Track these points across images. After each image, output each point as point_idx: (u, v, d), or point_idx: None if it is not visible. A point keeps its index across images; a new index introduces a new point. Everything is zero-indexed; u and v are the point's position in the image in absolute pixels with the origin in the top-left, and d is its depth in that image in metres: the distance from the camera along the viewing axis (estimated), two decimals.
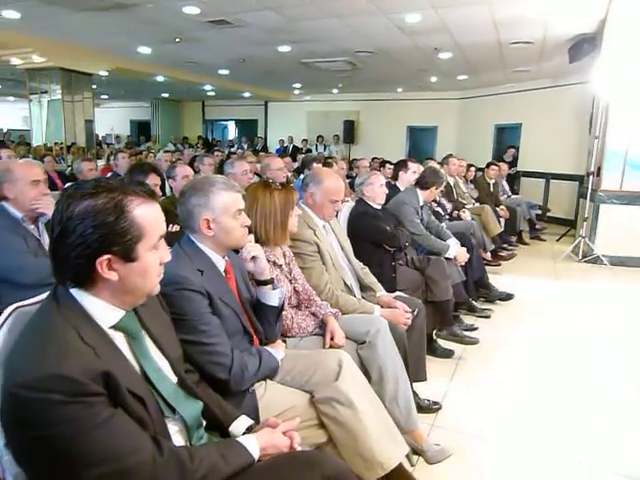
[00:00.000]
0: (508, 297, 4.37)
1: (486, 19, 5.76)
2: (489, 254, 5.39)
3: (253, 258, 1.66)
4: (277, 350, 1.67)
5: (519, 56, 7.57)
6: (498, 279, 4.78)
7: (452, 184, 5.86)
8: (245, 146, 14.64)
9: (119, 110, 16.87)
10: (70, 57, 8.04)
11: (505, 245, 6.28)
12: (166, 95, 14.86)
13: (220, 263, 1.58)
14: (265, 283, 1.68)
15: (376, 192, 3.18)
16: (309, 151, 13.04)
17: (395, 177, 4.28)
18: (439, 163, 5.74)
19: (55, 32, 7.05)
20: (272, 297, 1.66)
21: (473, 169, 6.71)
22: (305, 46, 7.54)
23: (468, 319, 3.83)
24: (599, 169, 6.17)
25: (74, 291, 1.05)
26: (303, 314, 2.01)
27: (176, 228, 2.67)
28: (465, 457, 2.11)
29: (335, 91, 12.99)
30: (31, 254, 2.21)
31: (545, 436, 2.32)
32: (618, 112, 5.93)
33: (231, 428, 1.29)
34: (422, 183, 3.85)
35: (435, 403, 2.52)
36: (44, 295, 1.12)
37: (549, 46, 6.91)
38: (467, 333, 3.45)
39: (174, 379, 1.18)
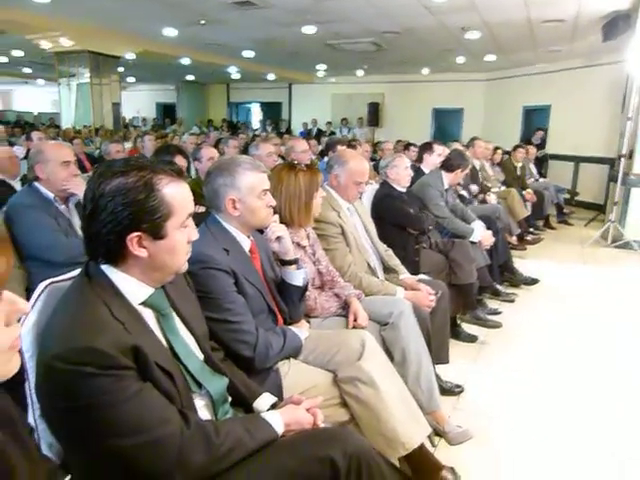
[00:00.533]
0: (533, 282, 4.31)
1: None
2: (515, 238, 5.30)
3: (278, 238, 1.68)
4: (301, 330, 1.69)
5: (550, 35, 7.34)
6: (523, 263, 4.71)
7: (478, 167, 5.76)
8: (269, 129, 14.64)
9: (145, 93, 17.02)
10: (98, 40, 8.14)
11: (531, 229, 6.18)
12: (191, 78, 14.92)
13: (245, 243, 1.60)
14: (290, 263, 1.70)
15: (401, 175, 3.15)
16: (333, 134, 12.95)
17: (420, 160, 4.23)
18: (464, 146, 5.64)
19: (83, 15, 7.13)
20: (296, 277, 1.68)
21: (500, 152, 6.58)
22: (330, 27, 7.46)
23: (492, 303, 3.80)
24: (631, 152, 5.98)
25: (105, 267, 1.08)
26: (326, 295, 2.03)
27: (202, 209, 2.70)
28: (486, 440, 2.11)
29: (360, 73, 12.83)
30: (62, 233, 2.28)
31: (566, 424, 2.30)
32: None
33: (255, 404, 1.32)
34: (447, 166, 3.80)
35: (457, 386, 2.52)
36: (76, 271, 1.15)
37: (582, 24, 6.67)
38: (490, 317, 3.42)
39: (200, 356, 1.21)
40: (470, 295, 3.17)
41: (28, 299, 2.05)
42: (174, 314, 1.17)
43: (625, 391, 2.64)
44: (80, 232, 2.37)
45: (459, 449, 2.02)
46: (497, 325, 3.29)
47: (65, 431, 1.00)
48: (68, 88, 8.68)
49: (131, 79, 14.63)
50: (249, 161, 1.60)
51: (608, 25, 6.30)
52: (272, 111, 15.84)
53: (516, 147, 7.00)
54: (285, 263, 1.70)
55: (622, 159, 6.07)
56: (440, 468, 1.67)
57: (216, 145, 7.13)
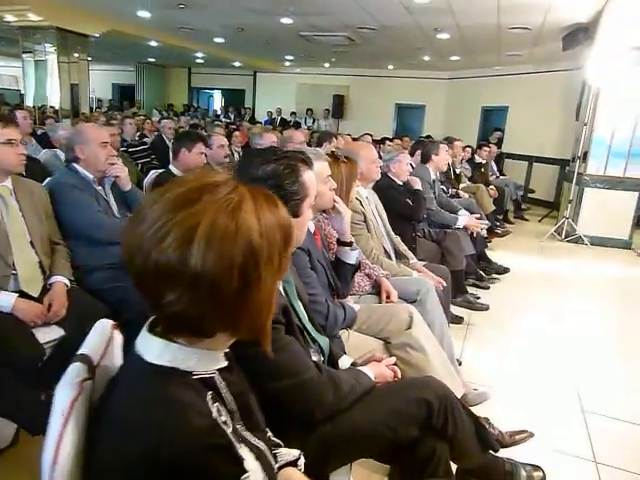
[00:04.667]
0: (505, 270, 4.72)
1: (491, 3, 5.95)
2: (485, 231, 5.70)
3: (340, 216, 1.87)
4: (352, 304, 1.91)
5: (514, 40, 7.82)
6: (491, 255, 5.13)
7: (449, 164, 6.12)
8: (232, 116, 14.56)
9: (101, 73, 16.39)
10: (67, 17, 7.86)
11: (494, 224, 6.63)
12: (152, 60, 14.56)
13: (311, 225, 1.80)
14: (345, 244, 1.91)
15: (402, 169, 3.42)
16: (297, 124, 13.08)
17: (425, 160, 4.36)
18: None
19: None
20: (351, 256, 1.89)
21: (469, 150, 6.99)
22: (308, 19, 7.59)
23: (470, 290, 4.16)
24: (585, 154, 6.54)
25: None
26: (360, 275, 2.25)
27: None
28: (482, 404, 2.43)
29: (326, 65, 13.02)
30: (103, 213, 2.37)
31: (547, 383, 2.77)
32: (606, 101, 6.28)
33: (340, 362, 1.53)
34: (425, 158, 4.14)
35: (457, 360, 2.82)
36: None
37: (545, 33, 7.17)
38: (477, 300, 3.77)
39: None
40: (461, 280, 3.50)
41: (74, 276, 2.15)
42: (292, 280, 1.36)
43: (589, 354, 3.23)
44: (117, 213, 2.48)
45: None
46: (485, 308, 3.63)
47: None
48: (33, 65, 8.33)
49: (88, 58, 14.09)
50: (313, 152, 1.79)
51: (569, 36, 6.82)
52: (234, 98, 15.72)
53: (480, 145, 7.47)
54: (341, 244, 1.91)
55: (577, 160, 6.63)
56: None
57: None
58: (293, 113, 13.82)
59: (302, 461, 1.00)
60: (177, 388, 0.68)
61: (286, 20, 7.72)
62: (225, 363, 0.78)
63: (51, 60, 8.37)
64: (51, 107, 8.61)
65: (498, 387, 2.64)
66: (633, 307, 4.28)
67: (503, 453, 1.69)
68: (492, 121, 11.13)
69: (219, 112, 15.92)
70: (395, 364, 1.77)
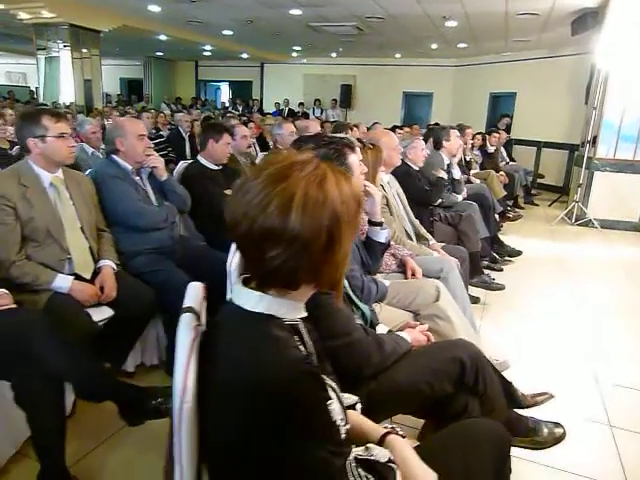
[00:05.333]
0: (518, 253, 4.84)
1: None
2: (497, 216, 5.82)
3: (372, 198, 2.00)
4: (382, 280, 2.05)
5: (523, 26, 7.87)
6: (503, 239, 5.25)
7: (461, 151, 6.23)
8: (240, 108, 14.66)
9: (108, 68, 16.48)
10: (79, 13, 8.00)
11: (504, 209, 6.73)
12: (160, 54, 14.68)
13: None
14: (376, 224, 2.05)
15: (418, 155, 3.55)
16: (306, 114, 13.17)
17: (438, 146, 4.47)
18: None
19: None
20: (381, 235, 2.03)
21: (480, 137, 7.08)
22: (317, 10, 7.68)
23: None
24: (595, 138, 6.62)
25: None
26: (387, 254, 2.40)
27: None
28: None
29: (333, 55, 13.08)
30: (143, 202, 2.52)
31: (563, 358, 2.91)
32: (616, 85, 6.34)
33: (377, 330, 1.68)
34: (437, 144, 4.26)
35: None
36: None
37: (553, 18, 7.22)
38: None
39: None
40: (477, 262, 3.63)
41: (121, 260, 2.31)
42: None
43: (600, 328, 3.41)
44: (155, 201, 2.63)
45: None
46: (501, 287, 3.77)
47: None
48: (45, 62, 8.49)
49: None
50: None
51: (577, 20, 6.88)
52: (242, 90, 15.82)
53: (490, 132, 7.54)
54: (372, 224, 2.05)
55: (587, 145, 6.71)
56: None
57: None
58: (301, 104, 13.90)
59: (359, 406, 1.15)
60: (275, 329, 0.84)
61: (295, 11, 7.81)
62: (306, 313, 0.93)
63: (64, 56, 8.52)
64: (63, 103, 8.79)
65: (516, 361, 2.78)
66: None
67: (525, 413, 1.84)
68: (500, 107, 11.16)
69: (227, 104, 16.01)
70: None
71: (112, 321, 2.21)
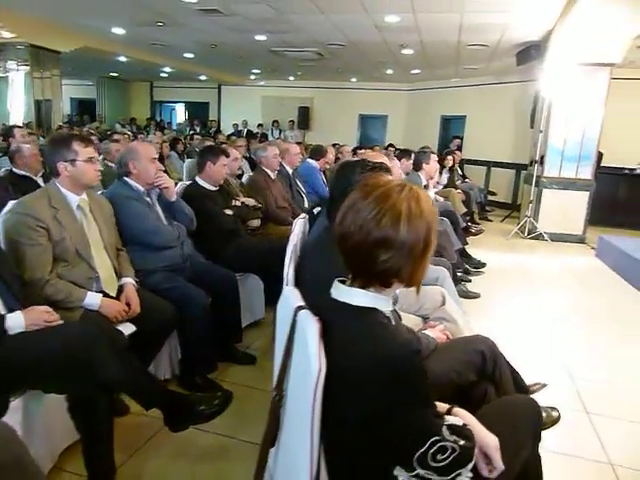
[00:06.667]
0: (482, 265, 5.22)
1: (454, 23, 6.53)
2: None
3: None
4: None
5: (472, 55, 8.49)
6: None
7: None
8: (197, 129, 14.70)
9: None
10: (40, 33, 7.92)
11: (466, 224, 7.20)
12: (115, 74, 14.54)
13: None
14: None
15: (395, 176, 3.83)
16: (264, 136, 13.41)
17: (417, 168, 4.78)
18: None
19: (28, 7, 6.94)
20: None
21: (450, 158, 7.57)
22: (282, 36, 7.98)
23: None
24: (542, 158, 7.22)
25: None
26: None
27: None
28: None
29: (291, 78, 13.44)
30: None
31: (538, 355, 3.25)
32: (558, 110, 6.98)
33: None
34: (417, 166, 4.59)
35: None
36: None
37: (500, 49, 7.86)
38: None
39: None
40: (455, 272, 3.93)
41: (138, 278, 2.42)
42: None
43: (556, 322, 3.89)
44: (165, 221, 2.75)
45: None
46: (477, 296, 4.10)
47: None
48: (5, 82, 8.31)
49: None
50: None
51: (522, 52, 7.52)
52: (198, 111, 15.89)
53: (448, 152, 8.06)
54: None
55: (535, 165, 7.30)
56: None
57: (173, 144, 7.37)
58: (260, 125, 14.13)
59: None
60: (381, 318, 1.04)
61: (260, 37, 8.08)
62: (393, 307, 1.14)
63: (19, 76, 8.38)
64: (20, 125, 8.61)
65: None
66: (590, 291, 4.97)
67: None
68: (451, 129, 11.85)
69: (184, 125, 16.00)
70: None
71: (132, 337, 2.31)
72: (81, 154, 2.18)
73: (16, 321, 1.71)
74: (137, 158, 2.61)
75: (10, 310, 1.75)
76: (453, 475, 1.05)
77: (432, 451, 1.00)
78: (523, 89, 9.32)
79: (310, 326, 1.02)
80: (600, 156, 7.61)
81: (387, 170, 1.62)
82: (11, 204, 2.16)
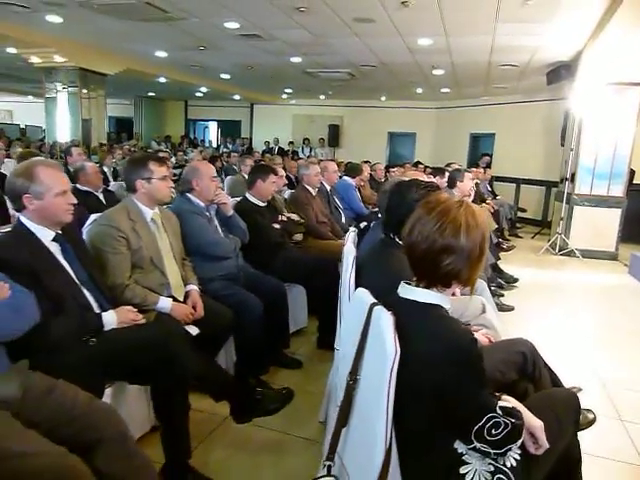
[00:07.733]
0: (515, 280, 5.33)
1: (486, 45, 6.73)
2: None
3: None
4: None
5: (502, 75, 8.66)
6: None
7: None
8: (230, 146, 15.18)
9: None
10: (88, 57, 8.44)
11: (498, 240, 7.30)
12: (152, 94, 15.16)
13: None
14: None
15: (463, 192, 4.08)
16: (295, 153, 13.78)
17: (452, 185, 4.98)
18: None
19: (78, 34, 7.45)
20: None
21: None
22: (317, 58, 8.30)
23: None
24: (573, 175, 7.29)
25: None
26: None
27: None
28: None
29: (322, 97, 13.78)
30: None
31: (570, 362, 3.34)
32: (589, 129, 7.07)
33: None
34: (451, 183, 4.77)
35: None
36: None
37: (530, 69, 8.01)
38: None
39: None
40: (489, 285, 4.07)
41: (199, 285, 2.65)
42: None
43: (587, 336, 4.04)
44: (222, 234, 3.00)
45: None
46: (511, 308, 4.24)
47: None
48: (53, 103, 8.86)
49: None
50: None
51: (552, 72, 7.66)
52: (230, 129, 16.38)
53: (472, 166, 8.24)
54: None
55: (566, 182, 7.38)
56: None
57: (212, 161, 7.71)
58: (291, 142, 14.49)
59: None
60: (444, 312, 1.24)
61: (296, 59, 8.42)
62: (450, 305, 1.34)
63: (69, 98, 8.91)
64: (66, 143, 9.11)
65: None
66: (623, 307, 4.99)
67: None
68: (480, 146, 11.97)
69: (218, 142, 16.54)
70: None
71: (195, 339, 2.54)
72: (156, 173, 2.44)
73: (110, 319, 1.96)
74: (200, 176, 2.87)
75: (103, 310, 2.01)
76: (505, 449, 1.24)
77: (488, 426, 1.19)
78: (553, 107, 9.42)
79: (385, 318, 1.22)
80: (632, 174, 7.65)
81: (438, 188, 1.83)
82: (95, 216, 2.44)
